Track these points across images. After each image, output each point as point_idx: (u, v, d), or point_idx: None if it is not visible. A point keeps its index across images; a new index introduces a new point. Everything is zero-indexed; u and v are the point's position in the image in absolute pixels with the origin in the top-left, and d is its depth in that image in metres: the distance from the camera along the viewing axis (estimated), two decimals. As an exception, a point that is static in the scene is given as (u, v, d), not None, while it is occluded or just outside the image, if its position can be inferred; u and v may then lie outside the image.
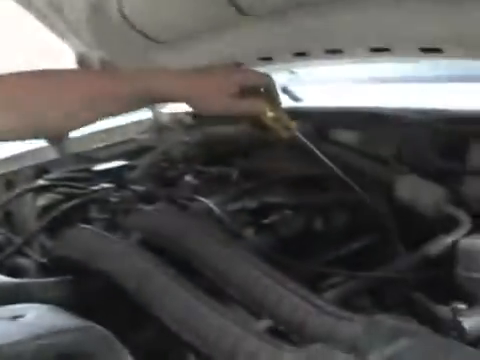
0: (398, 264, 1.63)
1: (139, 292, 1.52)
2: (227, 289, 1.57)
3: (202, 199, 1.93)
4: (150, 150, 2.79)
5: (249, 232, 1.91)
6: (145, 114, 3.11)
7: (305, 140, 1.65)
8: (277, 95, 1.44)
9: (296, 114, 2.12)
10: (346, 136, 2.20)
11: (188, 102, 1.31)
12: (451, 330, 1.39)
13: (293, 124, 1.48)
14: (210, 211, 1.88)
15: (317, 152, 1.68)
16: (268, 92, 1.41)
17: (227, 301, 1.57)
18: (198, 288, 1.50)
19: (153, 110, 3.09)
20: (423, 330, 1.25)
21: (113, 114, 1.28)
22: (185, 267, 1.66)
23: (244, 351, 1.30)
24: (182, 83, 1.29)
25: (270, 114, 1.42)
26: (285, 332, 1.44)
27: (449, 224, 1.68)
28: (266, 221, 1.93)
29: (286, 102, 2.35)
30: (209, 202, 1.89)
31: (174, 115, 3.05)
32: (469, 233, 1.60)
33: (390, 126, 2.01)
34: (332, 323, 1.36)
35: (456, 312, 1.39)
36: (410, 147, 1.94)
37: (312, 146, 1.68)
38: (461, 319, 1.39)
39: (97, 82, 1.23)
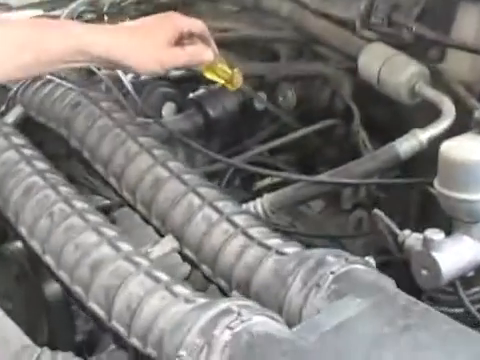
0: (359, 164, 1.22)
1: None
2: (123, 193, 1.17)
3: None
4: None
5: (169, 109, 1.49)
6: None
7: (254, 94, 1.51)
8: (212, 42, 1.23)
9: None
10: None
11: (122, 63, 1.12)
12: (422, 267, 1.01)
13: (236, 72, 1.25)
14: (119, 80, 1.44)
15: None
16: (203, 39, 1.21)
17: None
18: (77, 192, 1.10)
19: None
20: (381, 282, 0.86)
21: (40, 67, 1.11)
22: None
23: (123, 294, 0.91)
24: (115, 42, 1.12)
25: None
26: (193, 261, 1.05)
27: (426, 113, 1.30)
28: (191, 96, 1.51)
29: None
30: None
31: None
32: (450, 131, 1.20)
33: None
34: (256, 256, 0.96)
35: (429, 244, 1.00)
36: (382, 7, 1.49)
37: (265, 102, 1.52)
38: (434, 254, 1.00)
39: (26, 31, 1.10)
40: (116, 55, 1.10)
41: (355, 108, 1.48)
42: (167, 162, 1.13)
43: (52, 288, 1.14)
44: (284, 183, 1.31)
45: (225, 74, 1.24)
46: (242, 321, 0.78)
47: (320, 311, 0.83)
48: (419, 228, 1.31)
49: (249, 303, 0.83)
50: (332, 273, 0.86)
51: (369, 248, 1.44)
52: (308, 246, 1.40)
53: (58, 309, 1.15)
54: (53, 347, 1.11)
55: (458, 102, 1.28)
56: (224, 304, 0.81)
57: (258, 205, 1.18)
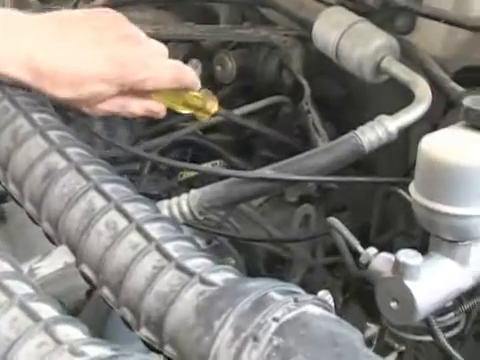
0: (312, 157, 0.97)
1: None
2: (8, 186, 0.90)
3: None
4: None
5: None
6: None
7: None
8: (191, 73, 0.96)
9: None
10: None
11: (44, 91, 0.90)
12: (392, 299, 0.78)
13: (207, 95, 0.97)
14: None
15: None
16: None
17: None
18: None
19: None
20: (343, 335, 0.62)
21: None
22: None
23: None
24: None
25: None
26: (92, 281, 0.80)
27: (392, 93, 1.13)
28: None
29: None
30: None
31: None
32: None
33: None
34: (172, 284, 0.71)
35: (402, 270, 0.77)
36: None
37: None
38: (408, 283, 0.77)
39: None
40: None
41: (305, 83, 1.28)
42: (66, 148, 0.86)
43: None
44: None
45: (195, 100, 0.97)
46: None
47: (257, 378, 0.59)
48: (380, 234, 1.11)
49: None
50: (275, 320, 0.61)
51: (316, 247, 1.24)
52: (244, 246, 1.19)
53: None
54: None
55: (432, 83, 1.07)
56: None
57: (183, 204, 0.94)
